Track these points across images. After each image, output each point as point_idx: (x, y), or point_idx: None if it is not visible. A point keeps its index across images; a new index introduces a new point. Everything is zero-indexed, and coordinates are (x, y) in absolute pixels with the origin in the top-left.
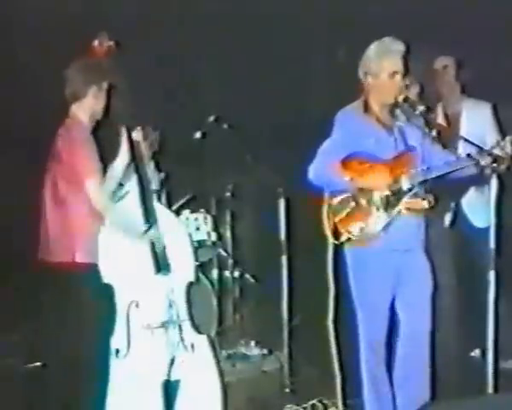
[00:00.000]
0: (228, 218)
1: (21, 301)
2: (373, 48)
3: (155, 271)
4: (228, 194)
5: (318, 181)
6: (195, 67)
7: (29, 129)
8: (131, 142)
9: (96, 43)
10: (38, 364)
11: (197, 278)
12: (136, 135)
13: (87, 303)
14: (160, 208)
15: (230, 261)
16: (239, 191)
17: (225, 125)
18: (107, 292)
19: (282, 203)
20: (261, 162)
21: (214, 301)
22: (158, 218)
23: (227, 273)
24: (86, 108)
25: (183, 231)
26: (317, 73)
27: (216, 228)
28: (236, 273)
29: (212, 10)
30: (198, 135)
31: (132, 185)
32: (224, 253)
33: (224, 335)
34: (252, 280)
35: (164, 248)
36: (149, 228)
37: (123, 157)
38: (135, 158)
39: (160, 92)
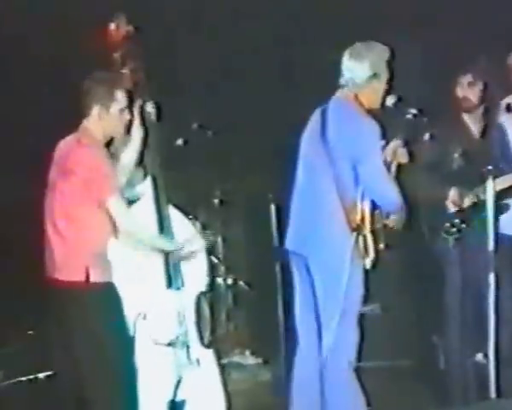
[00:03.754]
0: (218, 224)
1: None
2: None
3: (166, 285)
4: (216, 201)
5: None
6: (180, 70)
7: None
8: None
9: (112, 26)
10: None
11: (210, 288)
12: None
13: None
14: (174, 215)
15: (223, 268)
16: (228, 198)
17: (209, 132)
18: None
19: (272, 209)
20: (249, 168)
21: (206, 309)
22: (173, 227)
23: (219, 280)
24: (97, 126)
25: (198, 240)
26: (305, 76)
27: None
28: (229, 280)
29: (197, 13)
30: (180, 142)
31: (145, 188)
32: (215, 260)
33: (217, 344)
34: (245, 287)
35: (179, 261)
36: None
37: (135, 141)
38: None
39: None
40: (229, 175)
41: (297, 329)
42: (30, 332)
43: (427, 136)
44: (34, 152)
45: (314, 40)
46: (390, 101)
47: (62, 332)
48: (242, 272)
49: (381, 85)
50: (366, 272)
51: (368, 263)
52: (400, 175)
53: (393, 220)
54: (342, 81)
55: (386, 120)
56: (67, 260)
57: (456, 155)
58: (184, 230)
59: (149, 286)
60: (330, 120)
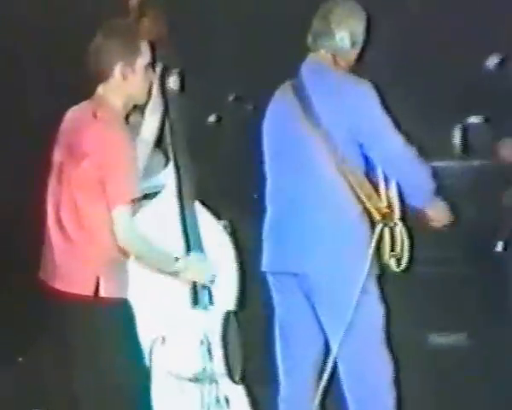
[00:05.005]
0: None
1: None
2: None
3: (192, 303)
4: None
5: None
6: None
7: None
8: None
9: None
10: None
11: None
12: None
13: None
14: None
15: None
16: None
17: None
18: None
19: None
20: None
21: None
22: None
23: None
24: (118, 91)
25: (228, 247)
26: None
27: None
28: None
29: None
30: (212, 118)
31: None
32: None
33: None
34: None
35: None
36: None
37: (156, 110)
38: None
39: None
40: None
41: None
42: (19, 359)
43: None
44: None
45: None
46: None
47: (60, 360)
48: None
49: (355, 52)
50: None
51: (395, 263)
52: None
53: (432, 215)
54: (315, 43)
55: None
56: (72, 268)
57: None
58: (212, 236)
59: (170, 304)
60: (313, 90)
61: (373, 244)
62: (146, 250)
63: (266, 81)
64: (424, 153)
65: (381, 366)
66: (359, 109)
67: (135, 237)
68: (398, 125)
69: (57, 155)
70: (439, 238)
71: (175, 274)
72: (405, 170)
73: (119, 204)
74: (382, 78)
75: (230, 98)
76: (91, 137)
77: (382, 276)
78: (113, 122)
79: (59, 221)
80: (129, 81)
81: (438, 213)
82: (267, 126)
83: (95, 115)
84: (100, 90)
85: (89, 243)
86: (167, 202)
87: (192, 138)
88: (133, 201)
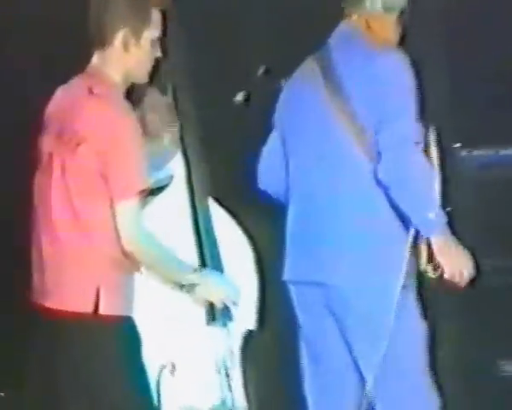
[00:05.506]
0: None
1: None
2: None
3: (207, 320)
4: None
5: None
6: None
7: None
8: None
9: None
10: None
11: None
12: None
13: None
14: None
15: None
16: None
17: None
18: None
19: None
20: None
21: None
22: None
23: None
24: (118, 63)
25: (247, 252)
26: None
27: None
28: None
29: None
30: (240, 97)
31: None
32: None
33: None
34: None
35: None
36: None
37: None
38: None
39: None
40: None
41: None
42: (0, 394)
43: None
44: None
45: None
46: None
47: (50, 394)
48: None
49: (391, 18)
50: None
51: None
52: None
53: (445, 264)
54: (347, 6)
55: None
56: (66, 279)
57: None
58: (229, 239)
59: (182, 322)
60: (339, 61)
61: (408, 249)
62: (156, 255)
63: (299, 54)
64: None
65: (423, 405)
66: (384, 81)
67: (143, 238)
68: (427, 118)
69: (45, 145)
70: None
71: (188, 289)
72: (408, 169)
73: (124, 198)
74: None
75: (260, 72)
76: (88, 118)
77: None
78: (115, 99)
79: (49, 223)
80: (130, 54)
81: (451, 262)
82: (284, 108)
83: (91, 91)
84: (95, 60)
85: (87, 247)
86: (175, 198)
87: (205, 121)
88: (142, 193)
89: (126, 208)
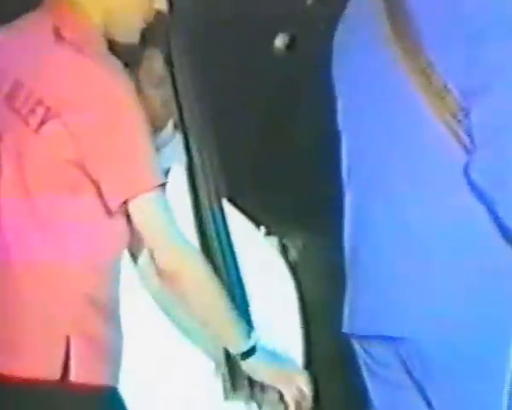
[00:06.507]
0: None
1: None
2: None
3: (225, 395)
4: None
5: None
6: None
7: None
8: None
9: None
10: None
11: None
12: None
13: None
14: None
15: None
16: None
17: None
18: None
19: None
20: None
21: None
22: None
23: None
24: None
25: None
26: None
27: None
28: None
29: None
30: (279, 43)
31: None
32: None
33: None
34: None
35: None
36: None
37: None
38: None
39: None
40: None
41: None
42: None
43: None
44: None
45: None
46: None
47: None
48: None
49: None
50: None
51: None
52: None
53: None
54: None
55: None
56: (22, 329)
57: None
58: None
59: (187, 398)
60: None
61: None
62: (205, 278)
63: None
64: None
65: None
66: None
67: (188, 247)
68: None
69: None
70: None
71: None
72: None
73: (143, 190)
74: None
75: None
76: (59, 77)
77: None
78: (98, 49)
79: None
80: None
81: None
82: (338, 57)
83: (59, 35)
84: None
85: (52, 276)
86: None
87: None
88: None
89: (152, 200)
